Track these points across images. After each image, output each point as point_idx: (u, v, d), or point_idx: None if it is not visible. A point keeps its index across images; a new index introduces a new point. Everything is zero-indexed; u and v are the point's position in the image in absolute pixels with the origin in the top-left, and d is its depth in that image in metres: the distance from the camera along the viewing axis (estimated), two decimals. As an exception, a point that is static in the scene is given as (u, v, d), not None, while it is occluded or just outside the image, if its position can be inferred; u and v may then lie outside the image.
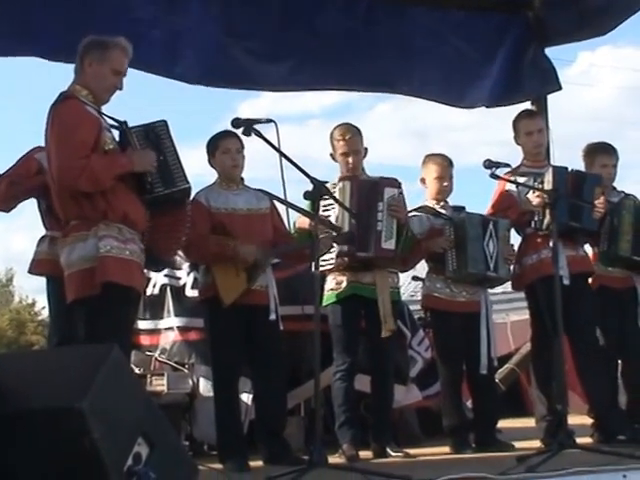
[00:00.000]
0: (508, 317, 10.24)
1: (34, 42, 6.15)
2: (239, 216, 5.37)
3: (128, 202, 4.57)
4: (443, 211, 5.93)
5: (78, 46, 4.72)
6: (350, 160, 5.73)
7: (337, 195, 5.47)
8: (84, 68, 4.66)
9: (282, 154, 4.47)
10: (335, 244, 5.47)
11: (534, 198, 5.68)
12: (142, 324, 6.52)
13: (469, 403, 6.19)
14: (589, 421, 5.92)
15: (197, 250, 5.36)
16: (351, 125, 5.81)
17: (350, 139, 5.74)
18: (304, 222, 5.46)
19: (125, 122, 4.69)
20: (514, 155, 6.08)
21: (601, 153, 6.14)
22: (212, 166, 5.51)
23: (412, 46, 7.44)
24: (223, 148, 5.43)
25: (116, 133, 4.70)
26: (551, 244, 5.21)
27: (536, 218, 5.72)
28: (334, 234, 5.29)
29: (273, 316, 5.28)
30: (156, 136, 4.69)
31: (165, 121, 4.75)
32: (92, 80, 4.65)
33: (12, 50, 6.27)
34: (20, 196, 5.50)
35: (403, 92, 7.78)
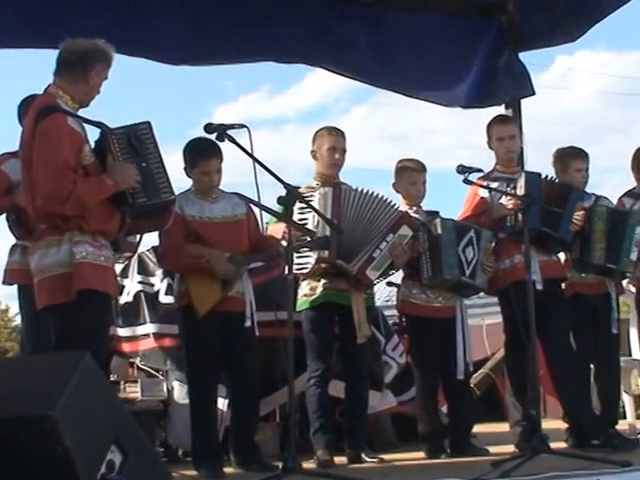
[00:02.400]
0: (483, 320, 10.27)
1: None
2: (213, 224, 5.32)
3: (103, 219, 4.45)
4: (417, 216, 5.93)
5: (67, 47, 4.51)
6: (337, 156, 5.75)
7: (317, 200, 5.47)
8: (87, 78, 4.48)
9: (255, 159, 4.44)
10: (310, 249, 5.44)
11: (508, 203, 5.70)
12: (121, 331, 6.50)
13: (444, 408, 6.20)
14: (564, 426, 5.94)
15: (171, 260, 5.40)
16: (338, 129, 5.87)
17: (338, 137, 5.80)
18: (276, 231, 5.45)
19: (105, 125, 4.48)
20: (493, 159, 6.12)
21: (575, 158, 6.15)
22: (187, 175, 5.41)
23: (394, 47, 7.50)
24: (202, 169, 5.31)
25: (95, 131, 4.52)
26: (523, 249, 5.24)
27: (508, 223, 5.74)
28: (308, 239, 5.26)
29: (248, 323, 5.27)
30: (138, 140, 4.47)
31: (149, 122, 4.53)
32: (90, 90, 4.52)
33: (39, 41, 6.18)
34: None
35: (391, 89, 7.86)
